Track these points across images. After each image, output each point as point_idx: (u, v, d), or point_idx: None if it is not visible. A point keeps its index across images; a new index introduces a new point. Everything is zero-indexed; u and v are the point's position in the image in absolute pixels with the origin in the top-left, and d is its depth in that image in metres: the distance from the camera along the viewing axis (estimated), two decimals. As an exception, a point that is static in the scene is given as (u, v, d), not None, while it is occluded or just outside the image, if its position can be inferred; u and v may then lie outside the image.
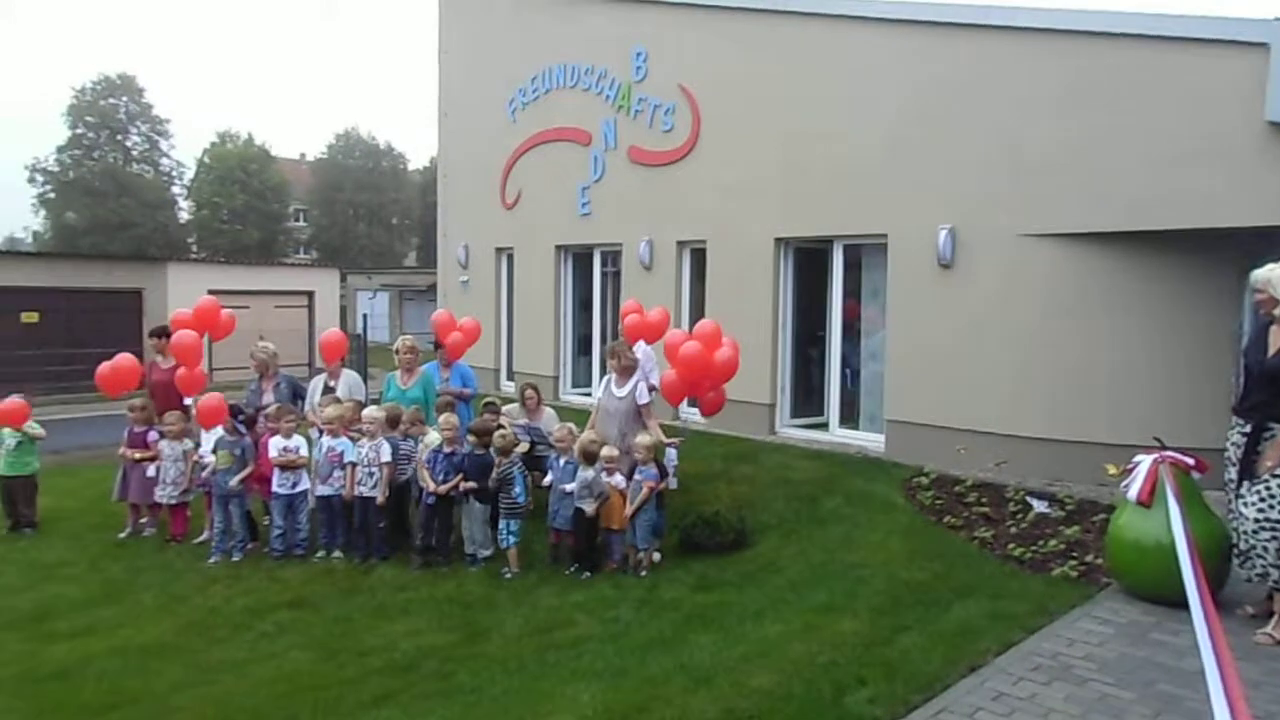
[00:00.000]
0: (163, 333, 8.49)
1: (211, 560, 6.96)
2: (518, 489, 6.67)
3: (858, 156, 9.46)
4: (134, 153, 52.54)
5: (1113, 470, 5.84)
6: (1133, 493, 5.22)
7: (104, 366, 7.93)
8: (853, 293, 10.03)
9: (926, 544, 6.49)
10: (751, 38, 10.68)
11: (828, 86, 9.77)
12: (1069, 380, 8.07)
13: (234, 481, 7.01)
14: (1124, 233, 7.73)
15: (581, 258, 13.61)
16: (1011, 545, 6.34)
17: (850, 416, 10.17)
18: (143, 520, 7.73)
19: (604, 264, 13.28)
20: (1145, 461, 5.28)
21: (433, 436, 7.01)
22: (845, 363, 10.19)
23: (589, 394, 12.64)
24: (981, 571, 5.88)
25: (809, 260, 10.53)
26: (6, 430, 7.70)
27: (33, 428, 7.81)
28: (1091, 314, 8.00)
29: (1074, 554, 6.06)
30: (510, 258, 14.79)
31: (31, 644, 5.37)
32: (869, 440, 9.65)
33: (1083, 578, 5.70)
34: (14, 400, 7.84)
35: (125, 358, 8.09)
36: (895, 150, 9.12)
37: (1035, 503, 7.20)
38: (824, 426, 10.30)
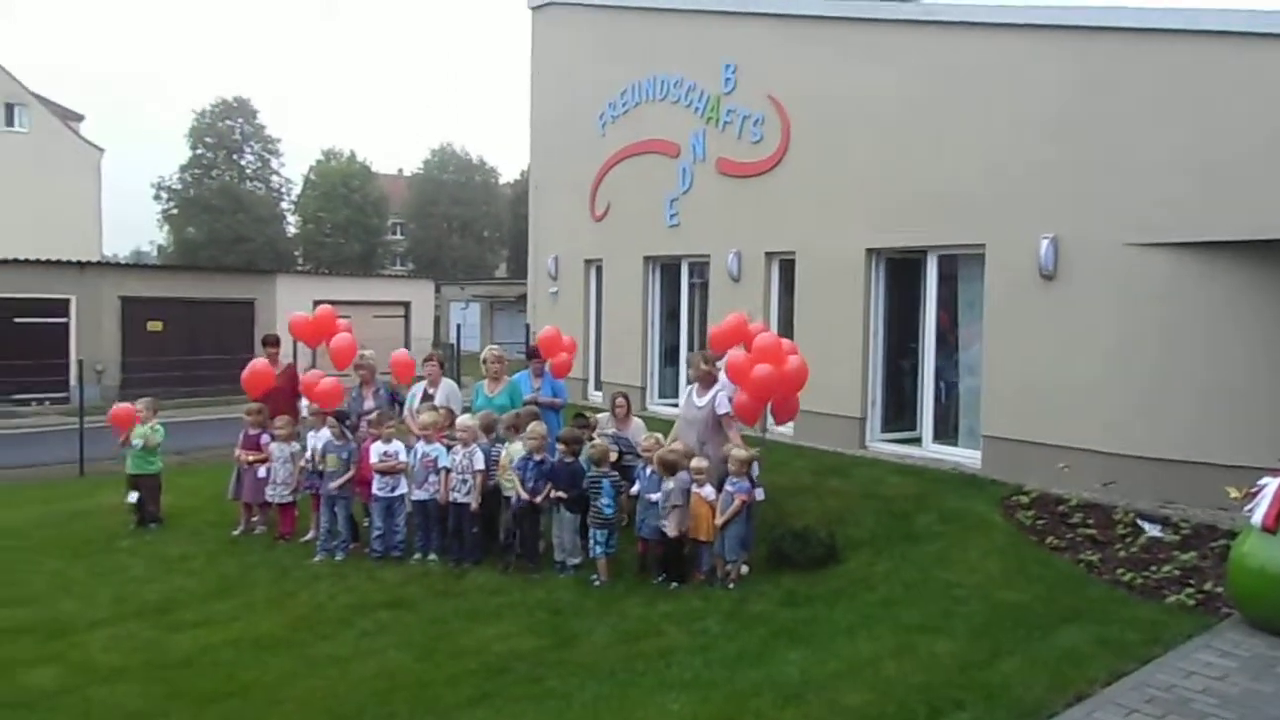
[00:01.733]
0: (274, 341, 8.97)
1: (316, 559, 7.30)
2: (605, 500, 6.72)
3: (953, 165, 9.21)
4: (247, 171, 55.69)
5: (1235, 493, 5.48)
6: (1258, 518, 4.91)
7: (246, 371, 8.44)
8: (947, 304, 9.76)
9: (1027, 565, 6.24)
10: (842, 46, 10.56)
11: (921, 94, 9.56)
12: (1184, 397, 7.62)
13: (334, 485, 7.33)
14: (1245, 241, 7.28)
15: (669, 269, 13.68)
16: (1121, 570, 6.03)
17: (944, 431, 9.87)
18: (254, 519, 8.17)
19: (691, 275, 13.31)
20: (1272, 485, 4.96)
21: (516, 446, 7.16)
22: (939, 376, 9.91)
23: (675, 405, 12.67)
24: (1088, 596, 5.62)
25: (901, 271, 10.30)
26: (133, 432, 8.27)
27: (156, 431, 8.35)
28: (1209, 327, 7.55)
29: (1190, 581, 5.72)
30: (599, 269, 14.99)
31: (158, 632, 5.75)
32: (964, 456, 9.34)
33: (1200, 606, 5.38)
34: (124, 406, 8.46)
35: (260, 362, 8.58)
36: (993, 157, 8.85)
37: (1147, 525, 6.83)
38: (916, 441, 10.03)
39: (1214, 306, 7.53)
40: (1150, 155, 7.69)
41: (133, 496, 8.23)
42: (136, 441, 8.20)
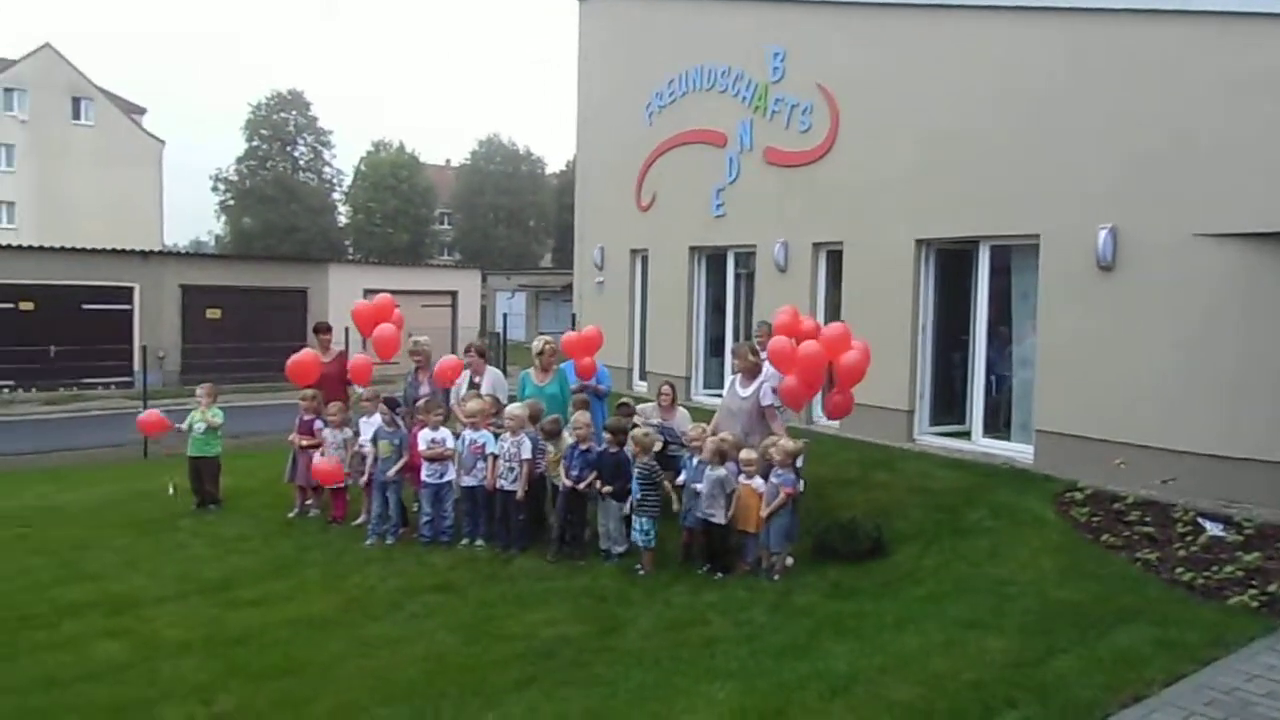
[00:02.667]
0: (325, 328, 9.16)
1: (368, 543, 7.47)
2: (645, 488, 6.72)
3: (1006, 153, 9.00)
4: (301, 162, 56.89)
5: (1303, 493, 5.29)
6: (1327, 519, 4.72)
7: (290, 362, 8.58)
8: (1001, 296, 9.55)
9: (1082, 563, 6.10)
10: (892, 33, 10.37)
11: (973, 80, 9.35)
12: (1249, 393, 7.35)
13: (391, 473, 7.48)
14: (1320, 231, 6.99)
15: (715, 259, 13.63)
16: (1180, 569, 5.86)
17: (995, 425, 9.68)
18: (309, 502, 8.38)
19: (737, 265, 13.24)
20: (1343, 485, 4.77)
21: (564, 437, 7.21)
22: (990, 369, 9.72)
23: (720, 395, 12.64)
24: (1146, 595, 5.47)
25: (952, 262, 10.11)
26: (195, 414, 8.53)
27: (216, 415, 8.61)
28: (1277, 322, 7.26)
29: (1254, 582, 5.54)
30: (645, 259, 14.99)
31: (218, 609, 5.95)
32: (1015, 451, 9.16)
33: (1264, 608, 5.21)
34: (153, 413, 8.80)
35: (307, 352, 8.76)
36: (1049, 145, 8.62)
37: (1208, 524, 6.62)
38: (966, 435, 9.85)
39: (1283, 299, 7.25)
40: (1214, 144, 7.40)
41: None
42: (200, 425, 8.46)
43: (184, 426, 8.52)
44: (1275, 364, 7.27)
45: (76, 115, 37.59)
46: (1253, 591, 5.39)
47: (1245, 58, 7.27)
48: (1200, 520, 6.72)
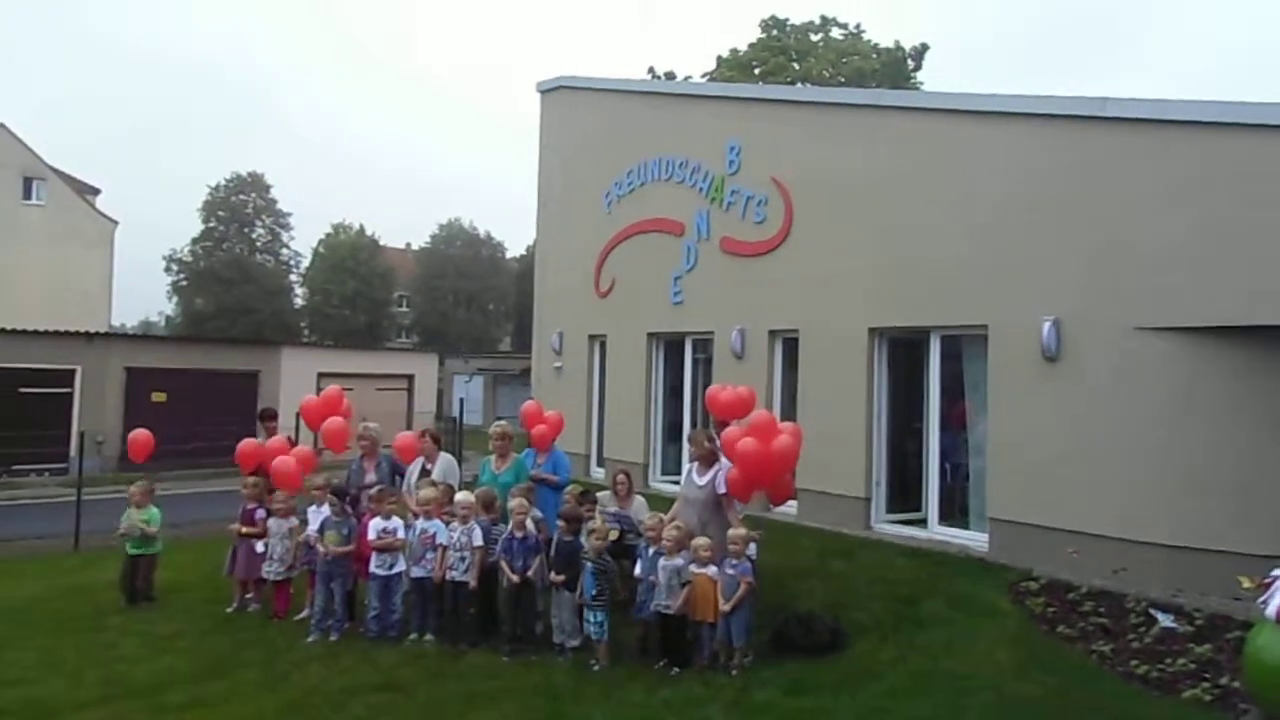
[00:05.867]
0: (271, 414, 8.98)
1: (310, 639, 7.13)
2: (588, 583, 6.57)
3: (956, 247, 9.37)
4: (258, 244, 56.70)
5: (1247, 583, 5.40)
6: (1272, 610, 4.79)
7: (239, 449, 8.39)
8: (951, 385, 9.77)
9: (1038, 655, 6.09)
10: (845, 131, 10.87)
11: (924, 177, 9.79)
12: (1193, 483, 7.55)
13: (331, 552, 7.18)
14: (1253, 326, 7.32)
15: (673, 345, 13.78)
16: (1135, 662, 5.88)
17: (950, 513, 9.76)
18: (249, 595, 8.02)
19: (695, 351, 13.39)
20: (1285, 575, 4.86)
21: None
22: (944, 457, 9.85)
23: (678, 482, 12.56)
24: (1102, 690, 5.46)
25: (905, 351, 10.36)
26: (129, 515, 8.17)
27: (150, 518, 8.23)
28: (1217, 412, 7.53)
29: (1206, 675, 5.57)
30: (603, 344, 15.09)
31: (147, 715, 5.57)
32: (970, 539, 9.22)
33: (1217, 702, 5.23)
34: (143, 432, 8.49)
35: (249, 442, 8.55)
36: (996, 241, 9.00)
37: (1160, 616, 6.68)
38: (922, 523, 9.91)
39: (1220, 391, 7.54)
40: (1153, 243, 7.81)
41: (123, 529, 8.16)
42: (135, 532, 8.14)
43: (121, 530, 8.18)
44: (1215, 453, 7.49)
45: (28, 195, 37.18)
46: (1205, 684, 5.42)
47: (1177, 163, 7.74)
48: (1152, 610, 6.77)
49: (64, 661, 6.65)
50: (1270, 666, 4.77)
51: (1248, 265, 7.24)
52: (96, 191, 43.06)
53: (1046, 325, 8.39)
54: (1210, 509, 7.46)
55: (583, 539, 6.82)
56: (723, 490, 7.01)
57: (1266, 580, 4.98)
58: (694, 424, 12.86)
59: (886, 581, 7.85)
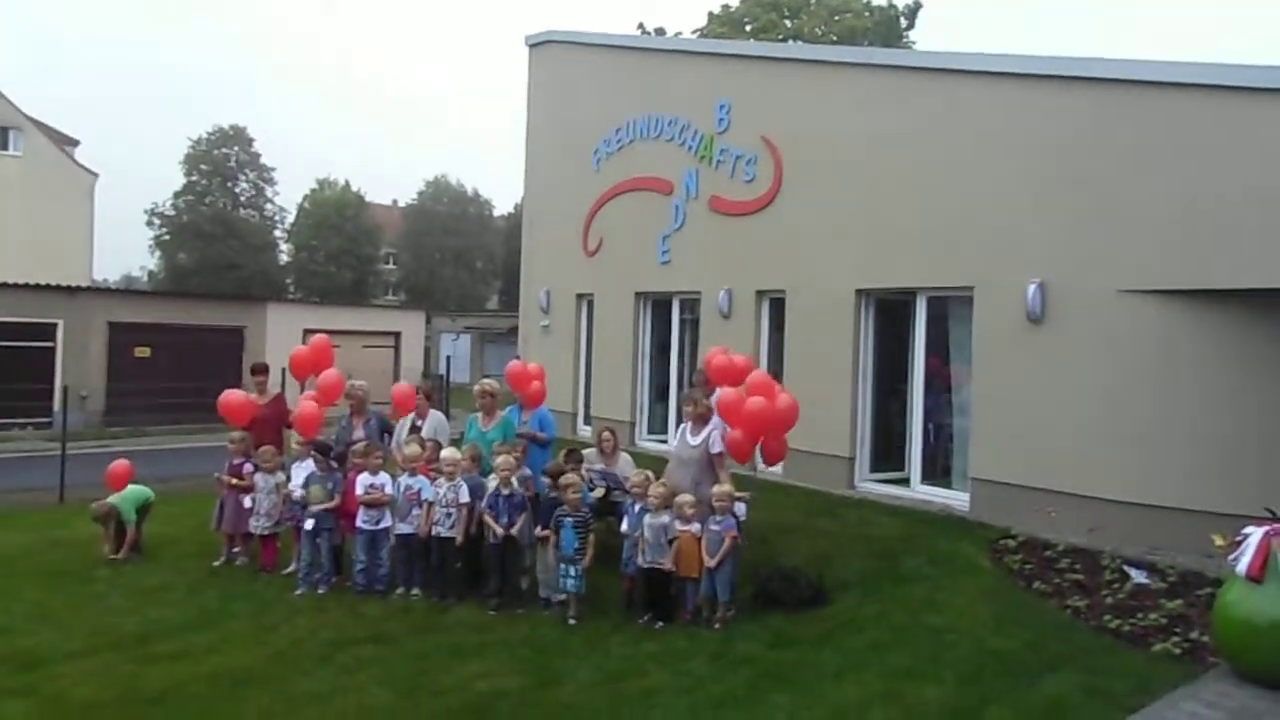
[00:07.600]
0: (262, 369, 8.92)
1: (298, 592, 7.19)
2: (565, 537, 6.61)
3: (942, 208, 9.35)
4: (242, 198, 55.82)
5: (1220, 541, 5.49)
6: (1242, 567, 4.92)
7: (221, 401, 8.35)
8: (937, 346, 9.83)
9: (1014, 610, 6.23)
10: (834, 89, 10.76)
11: (912, 138, 9.73)
12: (1171, 444, 7.68)
13: (313, 509, 7.22)
14: (1237, 290, 7.39)
15: (660, 305, 13.76)
16: (1107, 616, 6.02)
17: (933, 473, 9.89)
18: (236, 549, 8.06)
19: (682, 311, 13.39)
20: (1256, 534, 4.98)
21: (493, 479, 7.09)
22: (928, 417, 9.95)
23: (664, 440, 12.66)
24: (1075, 643, 5.60)
25: (891, 312, 10.40)
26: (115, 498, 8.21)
27: (140, 494, 8.28)
28: (1196, 375, 7.63)
29: (1177, 629, 5.72)
30: (590, 303, 15.06)
31: (134, 665, 5.63)
32: (952, 498, 9.36)
33: (1186, 655, 5.37)
34: (123, 463, 8.44)
35: (233, 393, 8.50)
36: (982, 203, 8.99)
37: (1133, 572, 6.83)
38: (905, 482, 10.04)
39: (1202, 354, 7.62)
40: (1140, 206, 7.82)
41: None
42: (123, 508, 8.16)
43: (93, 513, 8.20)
44: (1192, 414, 7.60)
45: (4, 146, 36.40)
46: (1175, 638, 5.56)
47: (1163, 126, 7.72)
48: (1126, 567, 6.92)
49: (53, 612, 6.68)
50: (1238, 620, 4.91)
51: (1231, 230, 7.27)
52: (75, 143, 42.19)
53: (1031, 288, 8.43)
54: (1186, 469, 7.59)
55: (587, 496, 6.85)
56: (717, 450, 7.05)
57: (1237, 538, 5.10)
58: (681, 384, 12.92)
59: (869, 539, 7.98)
